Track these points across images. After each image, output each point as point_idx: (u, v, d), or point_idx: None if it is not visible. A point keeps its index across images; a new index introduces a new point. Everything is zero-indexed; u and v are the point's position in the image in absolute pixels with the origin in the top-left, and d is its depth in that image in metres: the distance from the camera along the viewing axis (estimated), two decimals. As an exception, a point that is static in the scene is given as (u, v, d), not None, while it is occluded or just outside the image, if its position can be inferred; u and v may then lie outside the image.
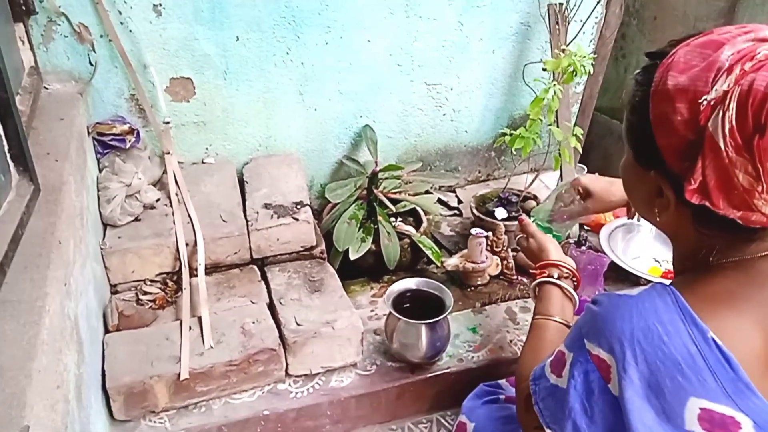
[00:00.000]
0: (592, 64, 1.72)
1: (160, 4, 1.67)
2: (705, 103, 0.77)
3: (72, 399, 1.08)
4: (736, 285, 0.83)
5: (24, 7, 1.53)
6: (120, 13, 1.64)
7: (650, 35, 2.40)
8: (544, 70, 1.80)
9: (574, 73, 1.70)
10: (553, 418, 0.94)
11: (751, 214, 0.78)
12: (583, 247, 1.84)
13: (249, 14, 1.74)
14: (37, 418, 0.86)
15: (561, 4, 1.91)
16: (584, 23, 1.90)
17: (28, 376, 0.88)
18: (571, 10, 1.92)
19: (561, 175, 1.99)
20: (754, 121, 0.73)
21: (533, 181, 2.01)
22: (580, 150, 1.95)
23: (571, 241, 1.91)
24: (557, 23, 1.89)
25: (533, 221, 1.46)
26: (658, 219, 0.92)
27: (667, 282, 0.86)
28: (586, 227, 2.00)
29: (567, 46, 1.84)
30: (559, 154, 1.85)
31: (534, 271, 1.37)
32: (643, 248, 1.91)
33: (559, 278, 1.31)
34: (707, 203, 0.79)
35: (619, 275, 1.81)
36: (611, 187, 1.40)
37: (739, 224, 0.79)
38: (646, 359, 0.80)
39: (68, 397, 1.05)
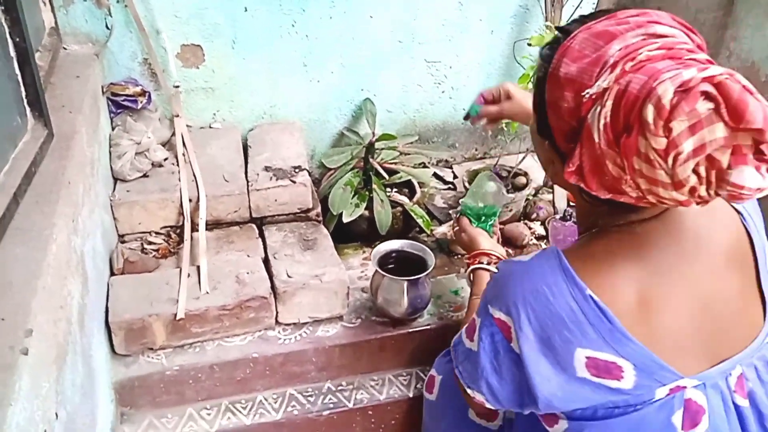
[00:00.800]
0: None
1: (174, -27, 1.77)
2: (587, 96, 0.83)
3: (74, 323, 1.19)
4: (617, 246, 0.93)
5: (46, -29, 1.64)
6: (136, -20, 1.75)
7: (652, 24, 2.46)
8: (530, 45, 1.88)
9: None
10: (470, 378, 1.05)
11: (619, 196, 0.86)
12: (567, 223, 1.92)
13: (258, -15, 1.84)
14: (40, 327, 0.97)
15: (553, -8, 1.98)
16: (578, 5, 1.97)
17: (34, 291, 0.99)
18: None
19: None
20: (624, 121, 0.79)
21: (523, 158, 2.09)
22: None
23: (557, 216, 1.99)
24: (552, 5, 1.97)
25: (466, 214, 1.60)
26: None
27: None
28: (571, 203, 2.07)
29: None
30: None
31: (468, 260, 1.51)
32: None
33: (488, 264, 1.44)
34: (582, 184, 0.88)
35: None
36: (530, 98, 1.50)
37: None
38: (537, 317, 0.91)
39: (71, 320, 1.16)
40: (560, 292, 0.90)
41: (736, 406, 0.95)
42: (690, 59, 0.80)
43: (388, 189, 2.05)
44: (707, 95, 0.74)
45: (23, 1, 1.43)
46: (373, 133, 2.07)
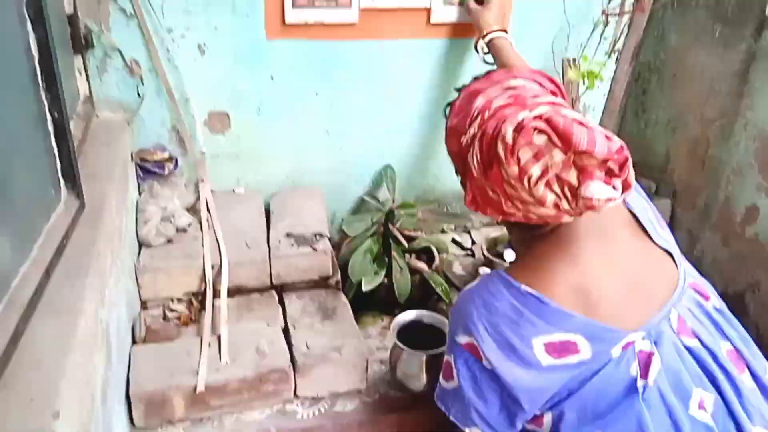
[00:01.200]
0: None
1: (204, 44, 1.82)
2: (465, 141, 1.05)
3: (98, 398, 1.18)
4: (543, 251, 1.10)
5: (84, 42, 1.69)
6: (168, 50, 1.80)
7: (669, 92, 2.49)
8: None
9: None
10: (463, 416, 1.13)
11: (510, 216, 1.05)
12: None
13: (284, 56, 1.89)
14: (67, 407, 0.96)
15: (574, 59, 2.02)
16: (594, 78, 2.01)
17: (62, 370, 0.99)
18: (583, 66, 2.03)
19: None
20: (487, 158, 0.99)
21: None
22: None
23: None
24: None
25: None
26: None
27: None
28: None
29: (579, 98, 1.94)
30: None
31: (496, 31, 1.73)
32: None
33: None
34: (479, 211, 1.10)
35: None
36: (490, 12, 1.78)
37: None
38: (491, 325, 1.05)
39: (95, 396, 1.15)
40: (502, 297, 1.05)
41: (687, 348, 1.06)
42: (534, 103, 0.99)
43: (407, 255, 2.05)
44: (539, 129, 0.91)
45: (62, 70, 1.48)
46: (393, 199, 2.09)
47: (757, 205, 2.05)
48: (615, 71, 2.00)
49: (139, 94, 1.83)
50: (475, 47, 1.83)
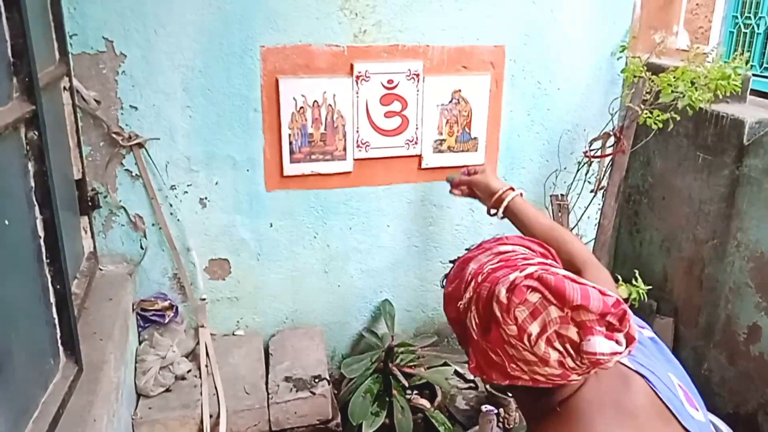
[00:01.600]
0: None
1: (206, 198, 1.93)
2: (461, 306, 1.03)
3: None
4: (560, 425, 1.03)
5: (91, 203, 1.79)
6: (171, 205, 1.90)
7: (659, 213, 2.56)
8: None
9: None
10: None
11: (516, 380, 1.00)
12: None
13: (282, 205, 1.99)
14: None
15: (562, 195, 2.11)
16: (583, 213, 2.09)
17: None
18: (572, 201, 2.11)
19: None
20: (485, 320, 0.98)
21: (544, 357, 2.08)
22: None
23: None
24: (560, 212, 2.08)
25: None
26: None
27: None
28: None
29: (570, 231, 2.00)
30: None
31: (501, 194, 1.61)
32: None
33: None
34: (485, 377, 1.01)
35: None
36: (486, 183, 1.68)
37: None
38: None
39: None
40: None
41: None
42: (523, 264, 1.00)
43: (409, 391, 2.04)
44: (531, 288, 0.92)
45: (68, 232, 1.56)
46: (392, 335, 2.10)
47: (759, 324, 2.04)
48: (602, 206, 2.07)
49: (142, 247, 1.92)
50: (488, 212, 1.71)
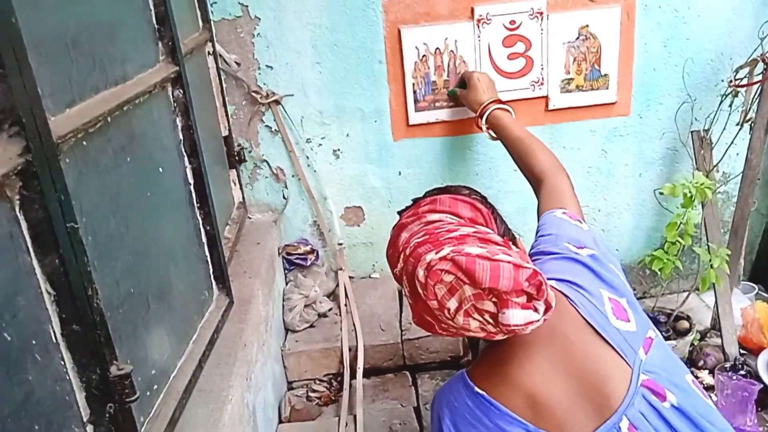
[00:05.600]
0: (710, 189, 1.78)
1: (339, 149, 2.05)
2: (397, 272, 1.15)
3: (242, 479, 1.34)
4: (501, 350, 1.13)
5: (237, 158, 1.98)
6: (307, 157, 2.05)
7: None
8: (661, 194, 1.88)
9: (692, 198, 1.76)
10: None
11: (446, 334, 1.09)
12: (735, 376, 1.77)
13: (409, 153, 2.06)
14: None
15: (707, 130, 1.96)
16: (727, 148, 1.92)
17: (210, 452, 1.16)
18: (715, 136, 1.96)
19: (715, 296, 1.95)
20: (412, 290, 1.05)
21: (686, 299, 1.99)
22: (727, 270, 1.91)
23: (727, 364, 1.85)
24: (701, 148, 1.94)
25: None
26: None
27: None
28: (742, 350, 1.91)
29: (713, 169, 1.88)
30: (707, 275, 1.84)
31: (489, 105, 1.78)
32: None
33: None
34: (427, 330, 1.12)
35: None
36: (476, 90, 1.83)
37: None
38: (454, 426, 1.11)
39: (239, 476, 1.32)
40: (460, 396, 1.12)
41: None
42: (446, 239, 1.04)
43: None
44: (445, 270, 0.98)
45: (219, 183, 1.75)
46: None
47: None
48: (750, 140, 1.90)
49: (284, 197, 2.09)
50: (479, 127, 1.83)
